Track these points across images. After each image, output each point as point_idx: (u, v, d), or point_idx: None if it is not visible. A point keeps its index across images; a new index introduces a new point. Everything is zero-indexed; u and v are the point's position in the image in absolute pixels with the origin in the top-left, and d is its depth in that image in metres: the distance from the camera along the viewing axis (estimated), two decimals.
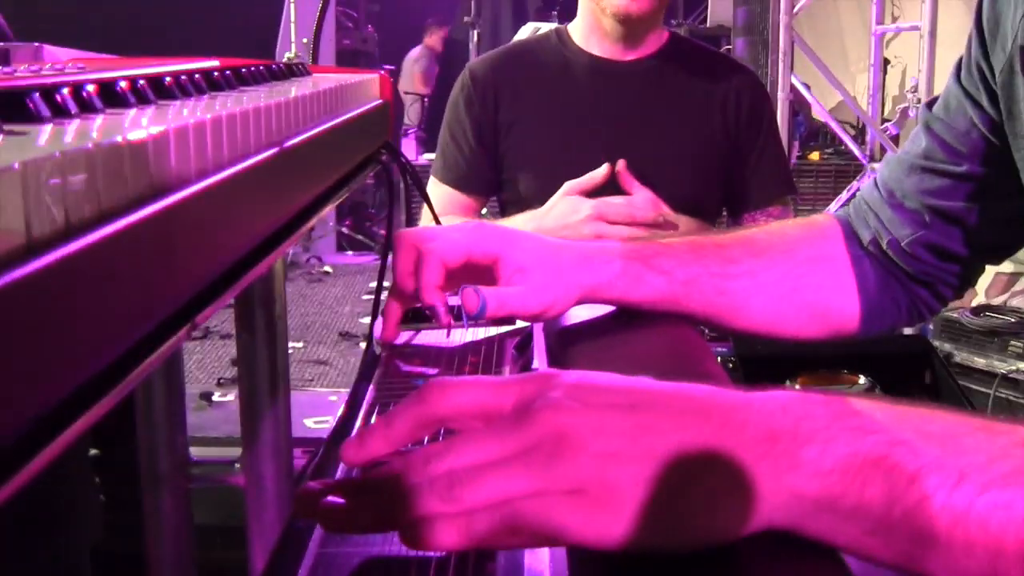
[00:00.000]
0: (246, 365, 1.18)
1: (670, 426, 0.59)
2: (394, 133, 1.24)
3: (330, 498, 0.61)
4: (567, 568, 0.62)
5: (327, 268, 6.23)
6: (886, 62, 5.98)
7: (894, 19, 6.49)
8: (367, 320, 5.25)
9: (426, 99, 9.75)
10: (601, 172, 1.93)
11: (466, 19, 5.67)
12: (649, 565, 0.58)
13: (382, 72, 1.21)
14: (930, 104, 1.19)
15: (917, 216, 1.16)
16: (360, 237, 7.03)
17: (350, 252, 6.98)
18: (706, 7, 6.41)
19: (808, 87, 5.31)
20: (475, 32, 5.52)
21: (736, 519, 0.58)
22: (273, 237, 0.66)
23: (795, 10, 4.92)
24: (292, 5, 6.57)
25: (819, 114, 5.37)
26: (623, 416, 0.59)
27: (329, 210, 0.94)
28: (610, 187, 1.92)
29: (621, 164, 1.93)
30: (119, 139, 0.39)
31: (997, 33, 1.08)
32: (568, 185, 1.91)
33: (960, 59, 1.15)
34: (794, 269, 1.16)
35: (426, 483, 0.58)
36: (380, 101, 1.13)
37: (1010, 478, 0.56)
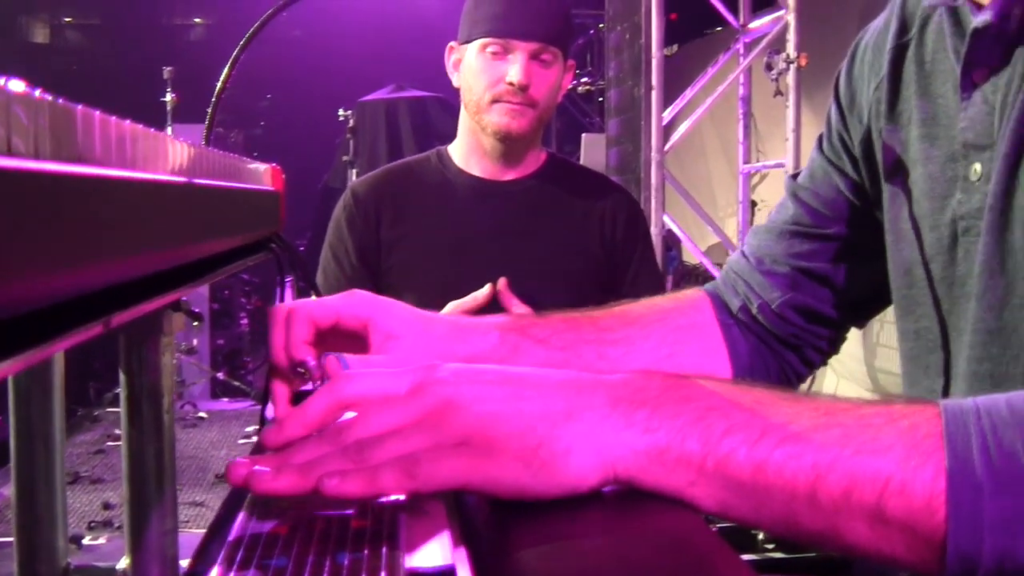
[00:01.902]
0: (133, 461, 1.15)
1: (535, 395, 0.71)
2: (284, 227, 1.25)
3: (257, 467, 0.70)
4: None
5: (202, 414, 6.12)
6: (753, 204, 6.19)
7: (758, 160, 6.75)
8: None
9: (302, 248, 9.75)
10: (484, 292, 1.95)
11: (344, 158, 5.76)
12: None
13: (274, 165, 1.22)
14: (795, 176, 1.27)
15: (787, 279, 1.22)
16: (236, 383, 6.97)
17: (225, 399, 6.90)
18: (579, 149, 6.60)
19: (682, 229, 5.47)
20: (353, 171, 5.62)
21: (588, 468, 0.70)
22: (157, 279, 0.65)
23: (666, 148, 5.10)
24: None
25: (693, 252, 5.52)
26: (498, 388, 0.72)
27: (218, 278, 0.94)
28: (493, 306, 1.94)
29: (502, 283, 1.96)
30: None
31: (853, 107, 1.17)
32: (451, 305, 1.93)
33: (821, 134, 1.24)
34: (668, 336, 1.20)
35: (339, 449, 0.70)
36: (272, 189, 1.14)
37: (802, 434, 0.68)
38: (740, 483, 0.68)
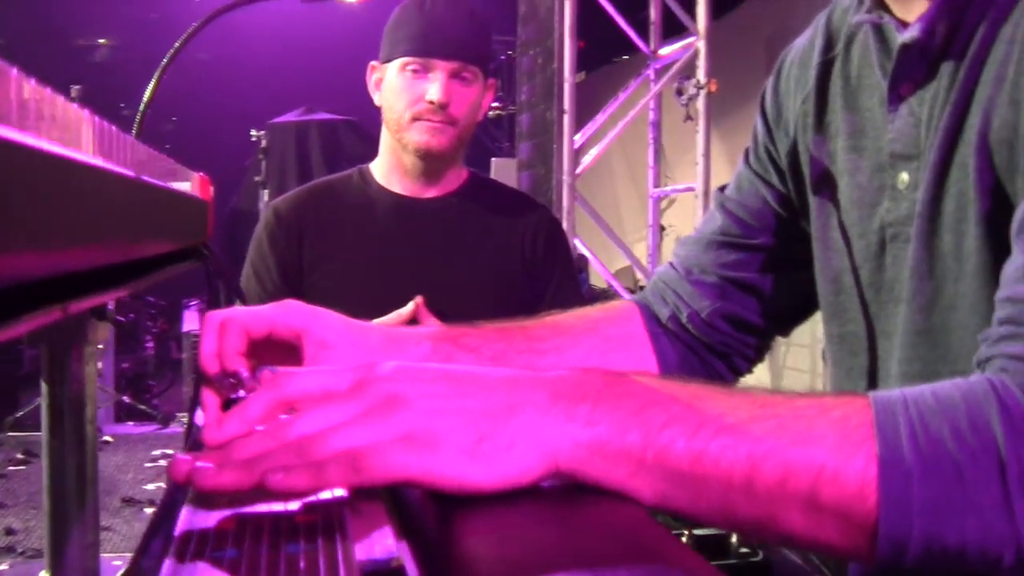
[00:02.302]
0: (54, 473, 1.12)
1: (477, 391, 0.72)
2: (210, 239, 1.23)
3: (200, 463, 0.69)
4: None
5: (107, 438, 6.02)
6: (662, 228, 6.28)
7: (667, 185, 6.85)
8: (151, 486, 5.09)
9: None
10: (407, 309, 1.95)
11: (256, 179, 5.71)
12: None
13: (201, 174, 1.20)
14: (722, 188, 1.30)
15: (716, 289, 1.24)
16: (141, 407, 6.87)
17: (130, 423, 6.81)
18: (489, 173, 6.63)
19: (592, 252, 5.51)
20: (265, 192, 5.57)
21: (530, 462, 0.70)
22: (81, 279, 0.64)
23: (577, 171, 5.14)
24: None
25: (602, 275, 5.57)
26: (440, 385, 0.72)
27: (146, 284, 0.92)
28: (416, 324, 1.94)
29: (418, 300, 1.96)
30: None
31: (780, 121, 1.21)
32: (375, 324, 1.91)
33: (748, 147, 1.27)
34: (599, 345, 1.22)
35: (282, 445, 0.70)
36: (200, 197, 1.13)
37: (738, 426, 0.70)
38: (679, 474, 0.70)
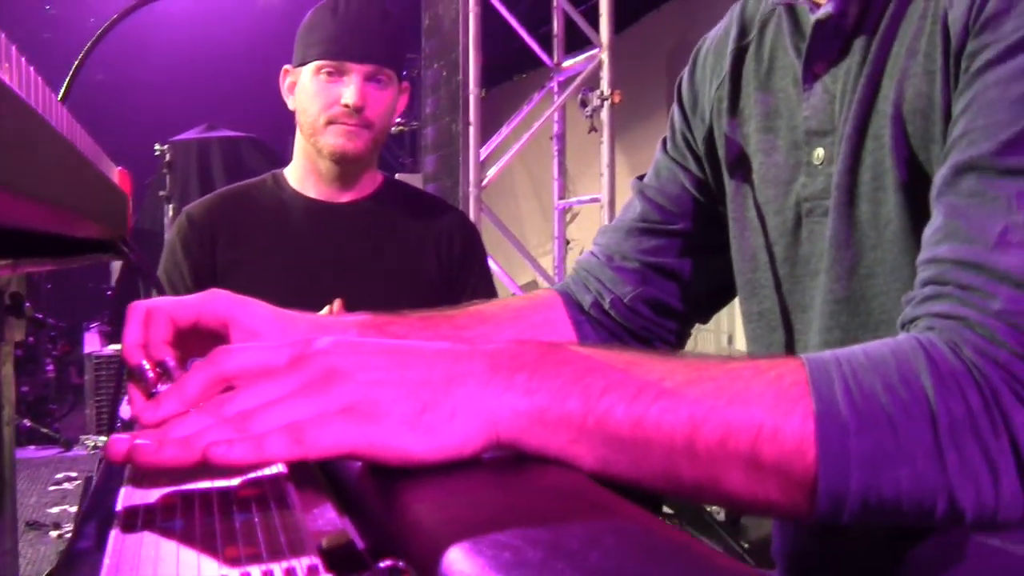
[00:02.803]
0: None
1: (416, 363, 0.72)
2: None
3: (139, 440, 0.67)
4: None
5: None
6: (567, 242, 6.32)
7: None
8: (55, 509, 4.96)
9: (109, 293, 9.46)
10: (325, 314, 1.94)
11: (161, 193, 5.64)
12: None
13: (121, 168, 1.19)
14: (640, 178, 1.33)
15: (637, 274, 1.27)
16: (44, 431, 6.71)
17: (32, 446, 6.65)
18: None
19: (498, 264, 5.53)
20: (170, 207, 5.50)
21: (472, 431, 0.70)
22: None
23: (483, 183, 5.16)
24: None
25: (508, 287, 5.59)
26: (381, 355, 0.72)
27: (65, 267, 0.90)
28: None
29: (337, 304, 1.95)
30: None
31: (696, 108, 1.25)
32: None
33: (665, 136, 1.31)
34: (523, 333, 1.23)
35: (222, 420, 0.68)
36: (121, 190, 1.11)
37: (677, 389, 0.71)
38: (620, 439, 0.71)
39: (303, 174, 2.20)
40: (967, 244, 0.77)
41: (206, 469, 0.66)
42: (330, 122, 2.08)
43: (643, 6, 7.41)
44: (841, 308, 1.00)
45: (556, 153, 5.94)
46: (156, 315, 1.01)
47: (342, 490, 0.73)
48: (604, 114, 5.23)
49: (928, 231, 0.82)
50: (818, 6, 1.02)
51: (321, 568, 0.55)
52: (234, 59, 9.45)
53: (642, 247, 1.27)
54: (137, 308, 1.02)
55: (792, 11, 1.09)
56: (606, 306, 1.28)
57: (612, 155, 5.26)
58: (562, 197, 5.99)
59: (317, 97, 2.08)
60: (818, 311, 1.03)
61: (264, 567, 0.55)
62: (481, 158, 5.18)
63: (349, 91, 2.05)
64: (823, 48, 1.02)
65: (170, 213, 5.49)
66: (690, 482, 0.72)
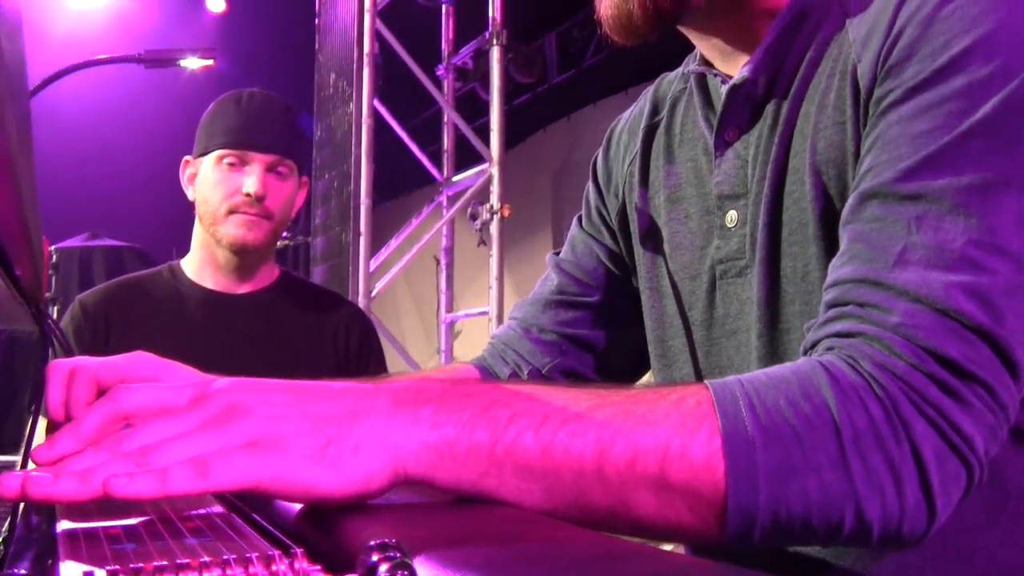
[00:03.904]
0: None
1: (320, 399, 0.71)
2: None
3: (34, 473, 0.66)
4: None
5: None
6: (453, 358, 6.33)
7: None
8: None
9: None
10: None
11: (47, 295, 5.52)
12: None
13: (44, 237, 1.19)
14: (557, 253, 1.37)
15: (555, 346, 1.29)
16: None
17: None
18: None
19: None
20: (54, 309, 5.39)
21: (378, 465, 0.70)
22: None
23: (373, 294, 5.17)
24: None
25: None
26: (284, 392, 0.71)
27: None
28: None
29: None
30: None
31: (610, 184, 1.30)
32: None
33: (579, 214, 1.35)
34: None
35: (121, 455, 0.67)
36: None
37: (583, 414, 0.72)
38: (530, 468, 0.71)
39: (201, 265, 2.19)
40: (868, 264, 0.81)
41: (106, 504, 0.64)
42: (231, 211, 2.09)
43: (531, 126, 7.60)
44: (763, 364, 1.02)
45: (444, 266, 5.99)
46: (80, 375, 0.99)
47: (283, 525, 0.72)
48: (493, 228, 5.31)
49: (834, 260, 0.86)
50: (729, 78, 1.08)
51: (302, 555, 0.54)
52: (119, 167, 9.37)
53: (559, 319, 1.30)
54: (59, 367, 1.01)
55: (703, 86, 1.14)
56: (524, 377, 1.29)
57: (501, 268, 5.32)
58: (450, 310, 6.03)
59: (219, 186, 2.09)
60: (737, 370, 1.06)
61: (242, 565, 0.53)
62: (371, 269, 5.20)
63: (251, 180, 2.06)
64: (735, 115, 1.07)
65: (55, 315, 5.39)
66: (603, 508, 0.72)
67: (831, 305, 0.83)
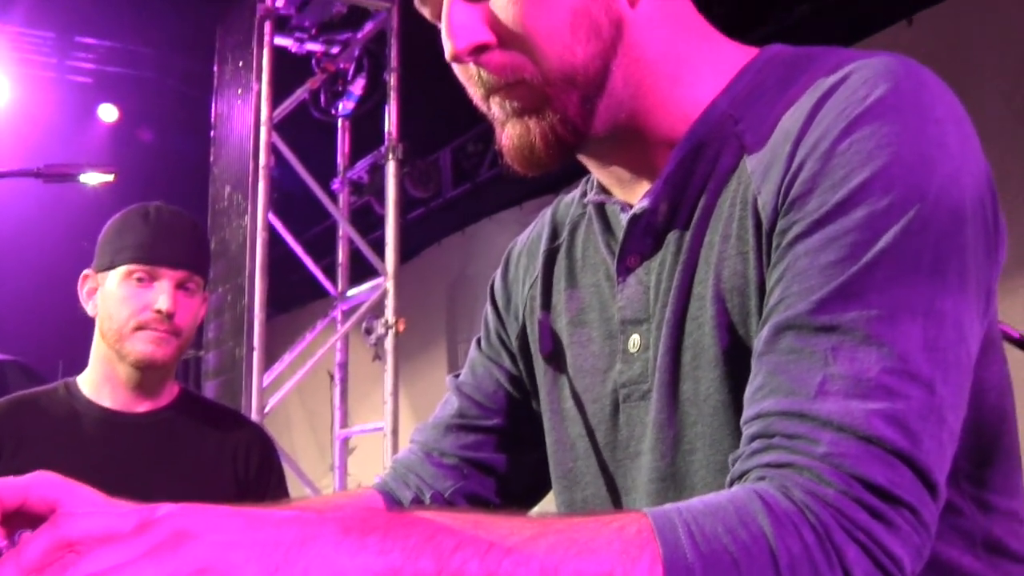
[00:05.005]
0: None
1: (267, 525, 0.72)
2: None
3: None
4: None
5: None
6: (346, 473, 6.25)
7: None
8: None
9: None
10: None
11: None
12: None
13: None
14: (456, 375, 1.37)
15: (457, 470, 1.30)
16: None
17: None
18: None
19: None
20: None
21: None
22: None
23: (266, 410, 5.09)
24: None
25: None
26: (230, 518, 0.71)
27: None
28: None
29: None
30: None
31: (509, 307, 1.31)
32: None
33: (479, 336, 1.36)
34: None
35: None
36: None
37: (526, 542, 0.74)
38: None
39: (99, 382, 2.14)
40: (789, 396, 0.85)
41: None
42: (139, 327, 2.07)
43: (425, 239, 7.64)
44: (667, 485, 1.05)
45: (339, 381, 5.93)
46: None
47: None
48: (388, 342, 5.29)
49: (750, 390, 0.90)
50: (629, 206, 1.10)
51: None
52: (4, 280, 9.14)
53: (460, 443, 1.30)
54: None
55: (602, 213, 1.17)
56: (426, 501, 1.29)
57: (396, 383, 5.29)
58: (344, 426, 5.95)
59: (126, 302, 2.06)
60: (643, 491, 1.08)
61: None
62: (264, 384, 5.13)
63: (162, 297, 2.05)
64: (636, 243, 1.10)
65: None
66: None
67: (757, 437, 0.86)
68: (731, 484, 0.86)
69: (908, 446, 0.81)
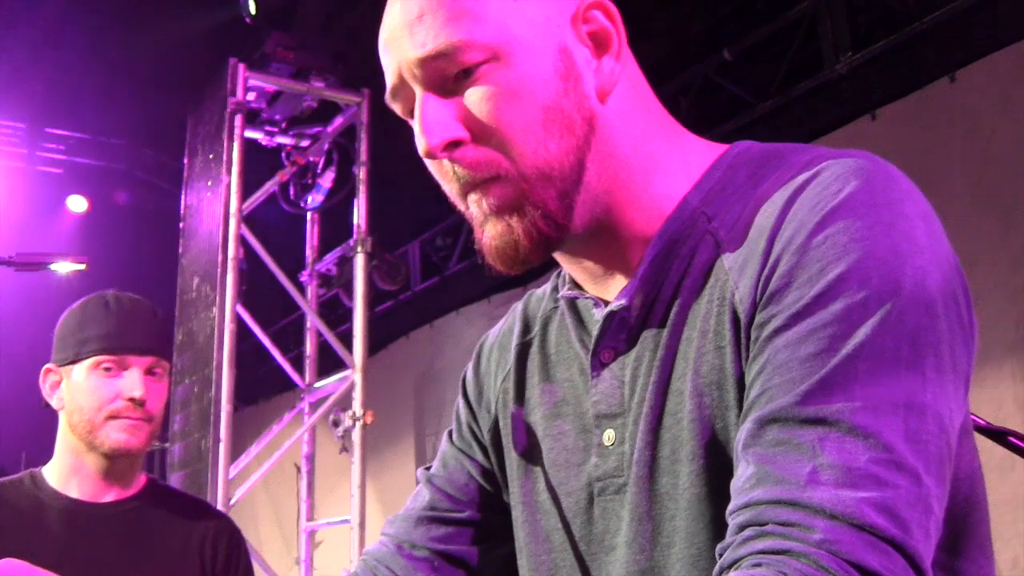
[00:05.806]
0: None
1: None
2: None
3: None
4: None
5: None
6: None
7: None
8: None
9: None
10: None
11: None
12: None
13: None
14: (428, 468, 1.37)
15: (428, 563, 1.29)
16: None
17: None
18: None
19: None
20: None
21: None
22: None
23: (232, 502, 5.03)
24: None
25: None
26: None
27: None
28: None
29: None
30: None
31: (481, 400, 1.31)
32: None
33: (450, 429, 1.36)
34: None
35: None
36: None
37: None
38: None
39: (66, 473, 2.12)
40: (780, 485, 0.86)
41: None
42: (112, 417, 2.06)
43: (394, 332, 7.63)
44: None
45: (305, 473, 5.89)
46: None
47: None
48: (356, 435, 5.26)
49: (738, 482, 0.90)
50: (604, 302, 1.12)
51: None
52: None
53: (431, 535, 1.30)
54: None
55: (574, 308, 1.18)
56: None
57: (363, 475, 5.25)
58: (310, 519, 5.88)
59: (95, 393, 2.05)
60: None
61: None
62: (230, 476, 5.08)
63: (133, 385, 2.05)
64: (610, 339, 1.11)
65: None
66: None
67: (748, 525, 0.87)
68: (722, 571, 0.87)
69: (899, 534, 0.82)
